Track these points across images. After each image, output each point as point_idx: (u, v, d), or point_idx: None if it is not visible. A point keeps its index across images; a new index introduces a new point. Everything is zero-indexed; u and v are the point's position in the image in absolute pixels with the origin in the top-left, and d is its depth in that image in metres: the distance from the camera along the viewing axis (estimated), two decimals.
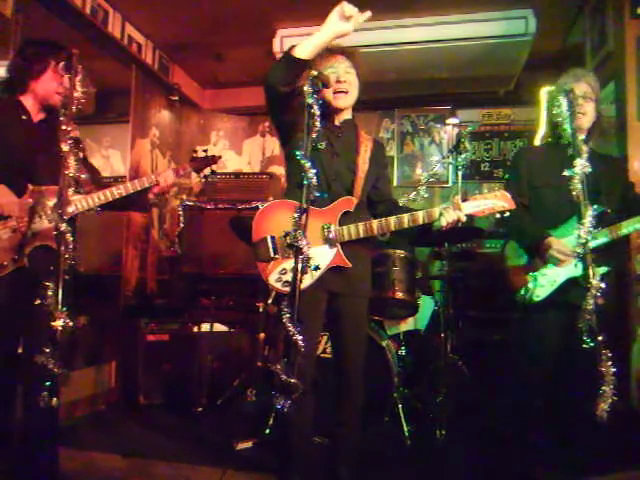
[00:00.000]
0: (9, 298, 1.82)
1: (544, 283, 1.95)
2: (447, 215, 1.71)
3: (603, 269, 1.85)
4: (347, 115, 1.97)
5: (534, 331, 2.01)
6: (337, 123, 1.94)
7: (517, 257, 2.06)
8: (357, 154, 1.90)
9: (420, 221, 1.75)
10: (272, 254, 1.77)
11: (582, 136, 2.04)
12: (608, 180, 1.95)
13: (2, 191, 1.81)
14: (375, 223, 1.77)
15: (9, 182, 1.83)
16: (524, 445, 2.00)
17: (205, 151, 2.36)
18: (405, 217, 1.76)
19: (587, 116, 1.99)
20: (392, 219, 1.76)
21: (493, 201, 1.76)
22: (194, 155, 2.34)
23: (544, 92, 2.20)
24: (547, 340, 1.96)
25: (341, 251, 1.78)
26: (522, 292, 1.98)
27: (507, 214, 1.76)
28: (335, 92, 1.83)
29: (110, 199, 1.94)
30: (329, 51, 1.89)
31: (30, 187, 1.85)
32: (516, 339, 2.15)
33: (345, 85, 1.85)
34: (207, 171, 2.37)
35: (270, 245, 1.78)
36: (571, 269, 1.92)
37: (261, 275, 1.78)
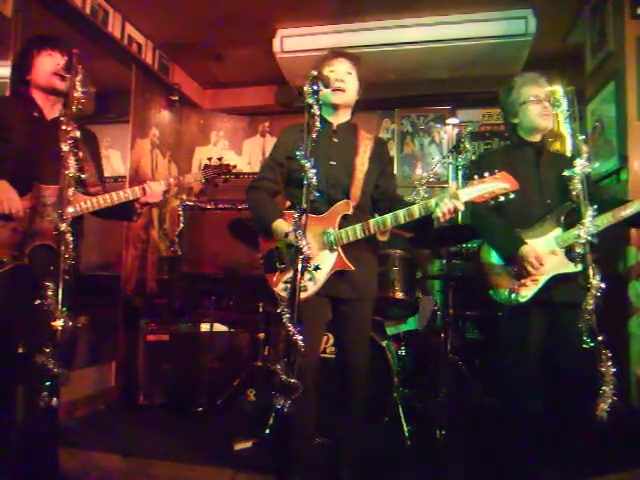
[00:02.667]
0: (8, 295, 1.81)
1: (528, 283, 1.95)
2: (443, 205, 1.64)
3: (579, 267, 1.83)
4: (344, 118, 1.97)
5: (519, 331, 2.00)
6: (334, 127, 1.94)
7: (493, 257, 2.05)
8: (356, 156, 1.89)
9: (417, 215, 1.70)
10: (278, 264, 1.81)
11: (540, 136, 2.08)
12: (557, 179, 1.96)
13: (4, 187, 1.80)
14: (372, 222, 1.76)
15: (16, 180, 1.82)
16: (523, 444, 2.00)
17: (220, 159, 2.24)
18: (401, 212, 1.72)
19: (551, 117, 2.02)
20: (388, 216, 1.74)
21: (493, 184, 1.66)
22: (207, 163, 2.23)
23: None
24: (531, 339, 1.96)
25: (342, 254, 1.78)
26: (505, 294, 1.97)
27: (512, 196, 1.65)
28: (333, 90, 1.82)
29: (97, 207, 1.92)
30: (332, 53, 1.94)
31: (36, 185, 1.85)
32: (502, 340, 2.15)
33: (342, 84, 1.85)
34: (219, 180, 2.22)
35: (276, 256, 1.82)
36: (554, 267, 1.92)
37: (269, 285, 1.82)
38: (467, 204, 1.68)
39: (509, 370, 2.06)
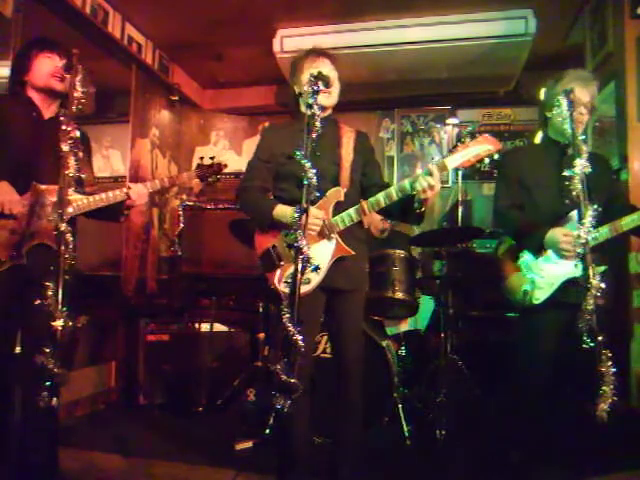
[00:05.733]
0: (6, 295, 1.81)
1: (543, 285, 1.95)
2: (417, 184, 1.68)
3: (602, 268, 1.84)
4: (326, 113, 1.97)
5: (533, 332, 2.01)
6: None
7: (512, 260, 2.05)
8: (340, 147, 1.91)
9: (408, 188, 1.73)
10: (277, 262, 1.82)
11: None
12: (595, 178, 1.95)
13: (5, 188, 1.80)
14: (365, 203, 1.78)
15: (14, 180, 1.82)
16: (524, 444, 2.00)
17: (212, 158, 2.35)
18: (392, 189, 1.76)
19: (582, 125, 1.97)
20: (381, 195, 1.77)
21: (477, 147, 1.70)
22: (200, 162, 2.34)
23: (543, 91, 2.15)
24: (546, 340, 1.96)
25: (341, 241, 1.80)
26: (521, 295, 1.97)
27: (496, 156, 1.71)
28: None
29: (93, 207, 1.92)
30: (314, 52, 1.93)
31: (34, 185, 1.85)
32: (516, 340, 2.15)
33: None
34: (212, 179, 2.34)
35: (274, 254, 1.83)
36: (570, 270, 1.92)
37: (271, 284, 1.82)
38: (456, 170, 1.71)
39: (522, 370, 2.06)
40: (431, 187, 1.67)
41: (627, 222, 1.91)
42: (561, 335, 1.94)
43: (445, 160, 1.71)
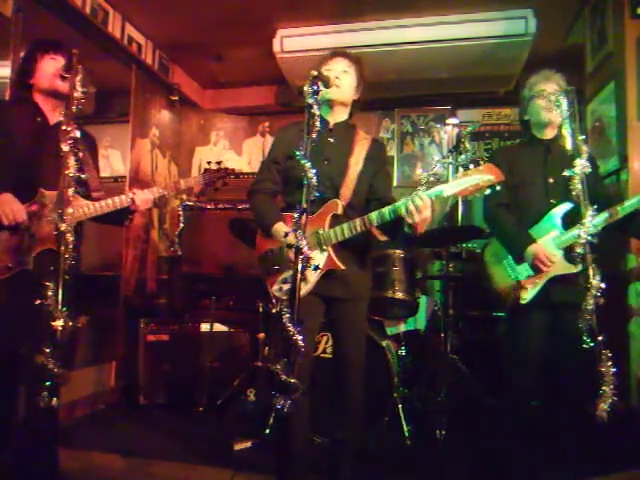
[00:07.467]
0: (12, 299, 1.81)
1: (528, 286, 1.96)
2: (405, 207, 1.63)
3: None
4: (341, 117, 1.97)
5: (520, 332, 2.02)
6: (330, 126, 1.94)
7: (498, 261, 2.07)
8: (350, 155, 1.89)
9: (402, 211, 1.66)
10: (272, 266, 1.83)
11: (553, 133, 2.08)
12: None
13: (7, 199, 1.79)
14: (358, 220, 1.75)
15: (20, 185, 1.82)
16: (523, 445, 2.00)
17: (219, 163, 2.37)
18: (386, 210, 1.70)
19: (560, 109, 1.98)
20: (374, 214, 1.72)
21: (477, 176, 1.62)
22: (207, 167, 2.37)
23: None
24: (532, 340, 1.98)
25: (333, 254, 1.78)
26: (508, 295, 1.98)
27: (498, 187, 1.63)
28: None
29: (99, 212, 1.93)
30: (331, 53, 1.96)
31: (41, 191, 1.85)
32: (503, 341, 2.16)
33: (337, 81, 1.83)
34: (219, 184, 2.37)
35: (270, 259, 1.85)
36: (553, 268, 1.93)
37: (266, 286, 1.84)
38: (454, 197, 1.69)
39: (509, 370, 2.07)
40: (418, 210, 1.60)
41: (625, 207, 1.92)
42: (549, 335, 1.96)
43: (443, 187, 1.64)
